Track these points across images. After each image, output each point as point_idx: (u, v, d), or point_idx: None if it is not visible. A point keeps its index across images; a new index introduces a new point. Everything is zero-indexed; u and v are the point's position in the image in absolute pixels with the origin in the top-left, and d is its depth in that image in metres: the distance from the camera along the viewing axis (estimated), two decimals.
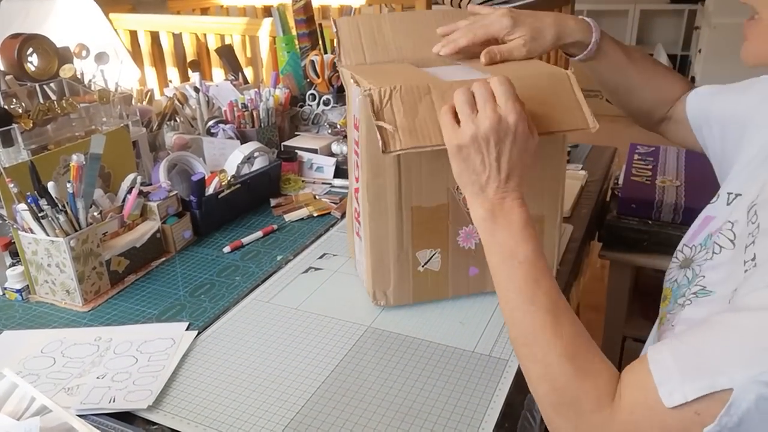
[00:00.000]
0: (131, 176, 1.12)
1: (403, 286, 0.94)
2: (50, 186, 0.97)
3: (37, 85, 1.31)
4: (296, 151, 1.50)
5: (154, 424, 0.75)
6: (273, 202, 1.35)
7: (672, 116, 1.00)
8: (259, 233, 1.21)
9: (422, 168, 0.88)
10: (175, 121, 1.57)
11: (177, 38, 3.12)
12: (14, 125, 1.14)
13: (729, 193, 0.75)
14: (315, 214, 1.28)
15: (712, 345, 0.52)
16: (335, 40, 0.97)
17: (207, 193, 1.22)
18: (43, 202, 0.95)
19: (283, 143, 1.54)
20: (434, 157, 0.87)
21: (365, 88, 0.79)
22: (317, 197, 1.37)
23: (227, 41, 2.94)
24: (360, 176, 0.91)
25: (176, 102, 1.53)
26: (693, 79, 4.32)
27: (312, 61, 1.66)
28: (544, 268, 0.65)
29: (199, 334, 0.92)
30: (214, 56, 2.97)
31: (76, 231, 0.98)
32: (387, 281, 0.93)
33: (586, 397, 0.56)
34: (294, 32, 1.76)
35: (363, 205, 0.91)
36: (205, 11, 3.70)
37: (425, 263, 0.93)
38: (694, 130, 0.96)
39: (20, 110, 1.20)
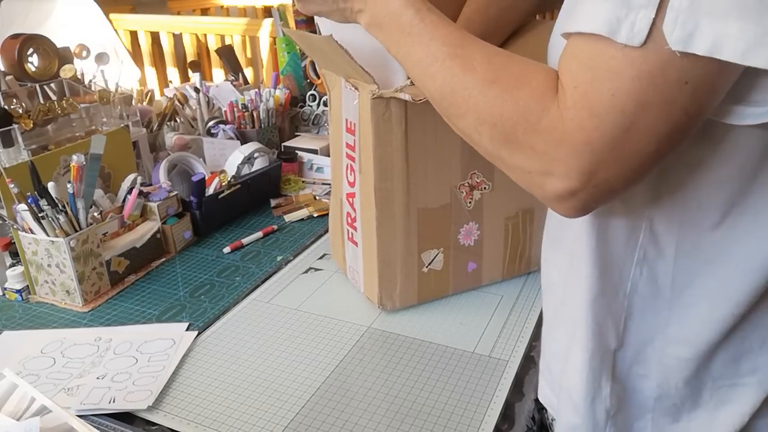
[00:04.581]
0: (131, 176, 1.12)
1: (409, 288, 0.94)
2: (50, 186, 0.97)
3: (37, 85, 1.31)
4: (296, 151, 1.50)
5: (154, 424, 0.75)
6: (273, 202, 1.35)
7: None
8: (259, 234, 1.21)
9: (428, 168, 0.88)
10: (176, 121, 1.57)
11: (177, 39, 3.12)
12: (14, 125, 1.14)
13: None
14: (315, 215, 1.28)
15: None
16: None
17: (207, 194, 1.22)
18: (43, 203, 0.95)
19: (283, 144, 1.54)
20: (439, 156, 0.88)
21: (373, 91, 0.80)
22: (317, 198, 1.37)
23: (227, 42, 2.94)
24: (359, 181, 0.91)
25: (176, 102, 1.53)
26: None
27: (312, 62, 1.66)
28: (434, 22, 0.56)
29: (199, 334, 0.92)
30: (214, 57, 2.97)
31: (76, 231, 0.98)
32: (393, 285, 0.93)
33: (527, 107, 0.47)
34: None
35: (366, 211, 0.91)
36: (205, 12, 3.70)
37: (429, 263, 0.94)
38: None
39: (20, 110, 1.20)
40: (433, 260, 0.94)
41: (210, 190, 1.23)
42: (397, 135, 0.85)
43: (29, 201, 0.95)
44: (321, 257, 1.12)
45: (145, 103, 1.54)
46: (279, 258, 1.13)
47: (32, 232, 0.98)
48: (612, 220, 0.56)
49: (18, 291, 1.03)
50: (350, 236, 0.98)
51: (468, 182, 0.92)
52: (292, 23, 1.76)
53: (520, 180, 0.51)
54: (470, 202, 0.93)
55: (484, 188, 0.93)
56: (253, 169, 1.37)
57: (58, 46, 1.46)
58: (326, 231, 1.22)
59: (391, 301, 0.94)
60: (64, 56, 1.46)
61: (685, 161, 0.50)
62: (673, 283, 0.55)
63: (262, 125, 1.51)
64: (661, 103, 0.42)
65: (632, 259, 0.56)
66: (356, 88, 0.86)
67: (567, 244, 0.62)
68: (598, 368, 0.60)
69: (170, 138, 1.50)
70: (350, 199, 0.95)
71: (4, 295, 1.04)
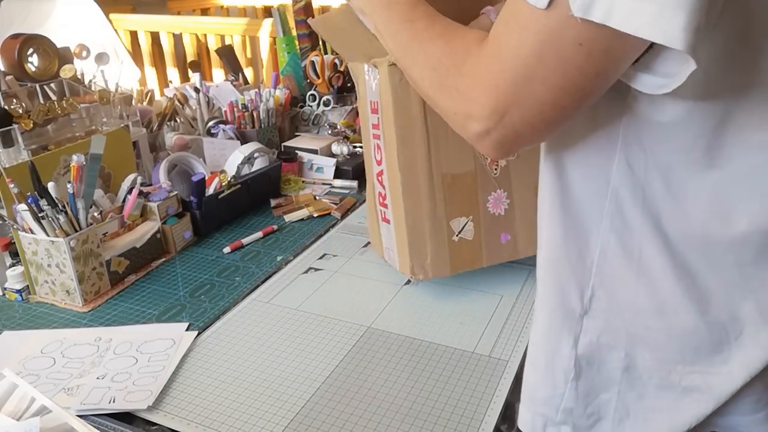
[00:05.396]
0: (131, 177, 1.12)
1: (440, 257, 0.93)
2: (50, 186, 0.97)
3: (37, 85, 1.31)
4: (296, 151, 1.50)
5: (154, 424, 0.75)
6: (273, 202, 1.35)
7: None
8: (259, 234, 1.21)
9: (449, 134, 0.89)
10: (176, 121, 1.57)
11: (177, 39, 3.12)
12: (14, 125, 1.14)
13: None
14: (315, 215, 1.28)
15: None
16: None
17: (207, 194, 1.22)
18: (43, 203, 0.95)
19: (283, 144, 1.54)
20: None
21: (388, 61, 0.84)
22: (317, 198, 1.37)
23: (227, 42, 2.94)
24: (385, 153, 0.92)
25: (176, 102, 1.53)
26: None
27: (312, 62, 1.66)
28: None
29: (199, 334, 0.92)
30: (214, 57, 2.97)
31: (76, 231, 0.98)
32: (424, 254, 0.93)
33: (457, 53, 0.55)
34: (294, 33, 1.76)
35: (393, 181, 0.92)
36: (205, 12, 3.70)
37: (459, 232, 0.93)
38: None
39: (21, 110, 1.20)
40: (462, 228, 0.93)
41: (210, 190, 1.23)
42: (414, 100, 0.86)
43: (29, 201, 0.95)
44: (321, 257, 1.12)
45: (145, 103, 1.54)
46: (279, 258, 1.13)
47: (32, 232, 0.98)
48: (573, 184, 0.59)
49: (18, 291, 1.03)
50: (383, 216, 0.99)
51: None
52: (292, 23, 1.77)
53: (452, 123, 0.57)
54: (496, 169, 0.93)
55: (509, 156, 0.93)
56: (253, 169, 1.37)
57: (58, 46, 1.46)
58: (326, 231, 1.22)
59: (423, 271, 0.93)
60: (64, 56, 1.46)
61: (633, 128, 0.53)
62: (641, 254, 0.56)
63: (262, 125, 1.51)
64: (557, 59, 0.47)
65: (599, 226, 0.57)
66: (376, 67, 0.87)
67: (540, 214, 0.63)
68: (558, 328, 0.61)
69: (170, 138, 1.50)
70: (379, 178, 0.96)
71: (4, 295, 1.04)
